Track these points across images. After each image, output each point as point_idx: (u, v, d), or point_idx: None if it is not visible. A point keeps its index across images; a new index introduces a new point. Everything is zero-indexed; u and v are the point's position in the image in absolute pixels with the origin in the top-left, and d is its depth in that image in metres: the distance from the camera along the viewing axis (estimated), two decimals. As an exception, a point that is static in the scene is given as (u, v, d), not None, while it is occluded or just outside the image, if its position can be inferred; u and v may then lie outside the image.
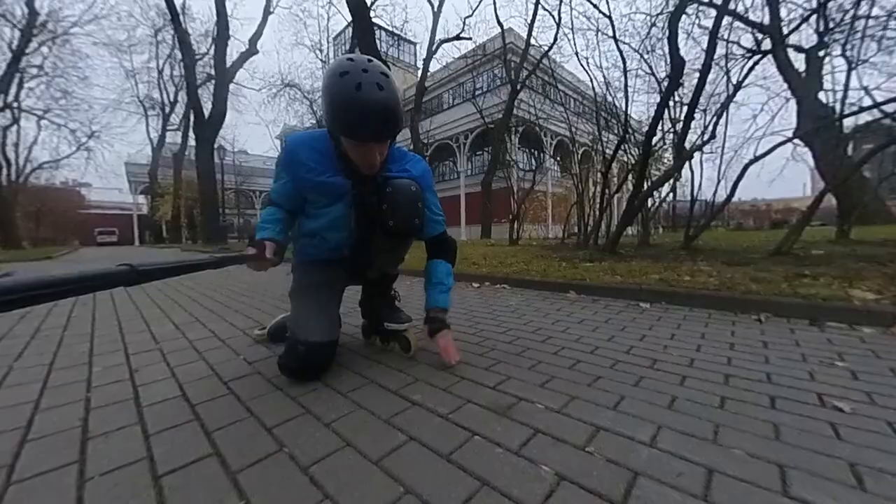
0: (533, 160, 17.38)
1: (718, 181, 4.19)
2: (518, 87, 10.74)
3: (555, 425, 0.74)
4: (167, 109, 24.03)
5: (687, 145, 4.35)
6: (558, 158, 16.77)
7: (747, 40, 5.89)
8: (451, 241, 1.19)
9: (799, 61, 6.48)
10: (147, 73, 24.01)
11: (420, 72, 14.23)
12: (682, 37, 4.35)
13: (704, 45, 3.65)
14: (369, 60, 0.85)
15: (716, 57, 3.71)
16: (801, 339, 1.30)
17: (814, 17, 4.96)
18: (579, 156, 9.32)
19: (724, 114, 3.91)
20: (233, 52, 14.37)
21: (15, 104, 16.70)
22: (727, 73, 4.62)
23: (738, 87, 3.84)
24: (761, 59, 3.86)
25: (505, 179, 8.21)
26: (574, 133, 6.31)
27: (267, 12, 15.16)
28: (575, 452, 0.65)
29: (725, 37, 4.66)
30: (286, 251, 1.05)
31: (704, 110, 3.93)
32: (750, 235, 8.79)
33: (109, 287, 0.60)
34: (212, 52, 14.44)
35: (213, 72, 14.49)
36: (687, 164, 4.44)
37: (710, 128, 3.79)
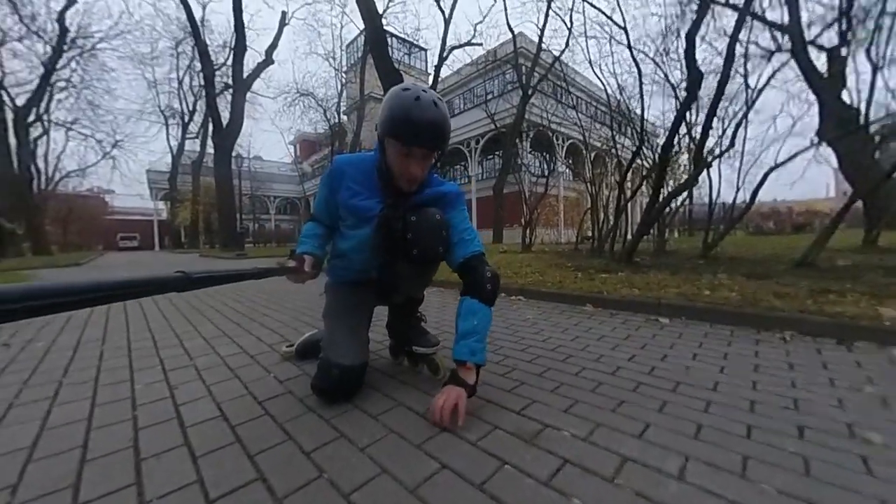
0: (545, 164, 17.33)
1: (738, 188, 4.11)
2: (529, 91, 10.75)
3: (582, 455, 0.76)
4: (186, 118, 24.87)
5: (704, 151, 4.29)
6: (570, 162, 16.67)
7: (765, 39, 5.76)
8: (483, 268, 1.00)
9: (820, 60, 6.32)
10: (168, 84, 25.04)
11: (431, 78, 14.36)
12: (696, 41, 4.30)
13: (719, 48, 3.61)
14: (427, 87, 0.96)
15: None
16: (829, 361, 1.28)
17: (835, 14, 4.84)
18: (592, 159, 9.26)
19: (744, 121, 3.84)
20: (249, 62, 14.78)
21: (45, 116, 17.51)
22: (745, 75, 4.54)
23: (758, 92, 3.78)
24: (784, 65, 3.77)
25: (517, 183, 8.22)
26: (587, 137, 6.28)
27: (282, 23, 15.56)
28: (604, 485, 0.67)
29: (743, 38, 4.58)
30: (323, 265, 1.11)
31: (723, 117, 3.87)
32: (771, 241, 8.56)
33: (165, 291, 0.64)
34: (230, 62, 14.89)
35: (230, 81, 14.93)
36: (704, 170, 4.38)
37: (730, 135, 3.73)
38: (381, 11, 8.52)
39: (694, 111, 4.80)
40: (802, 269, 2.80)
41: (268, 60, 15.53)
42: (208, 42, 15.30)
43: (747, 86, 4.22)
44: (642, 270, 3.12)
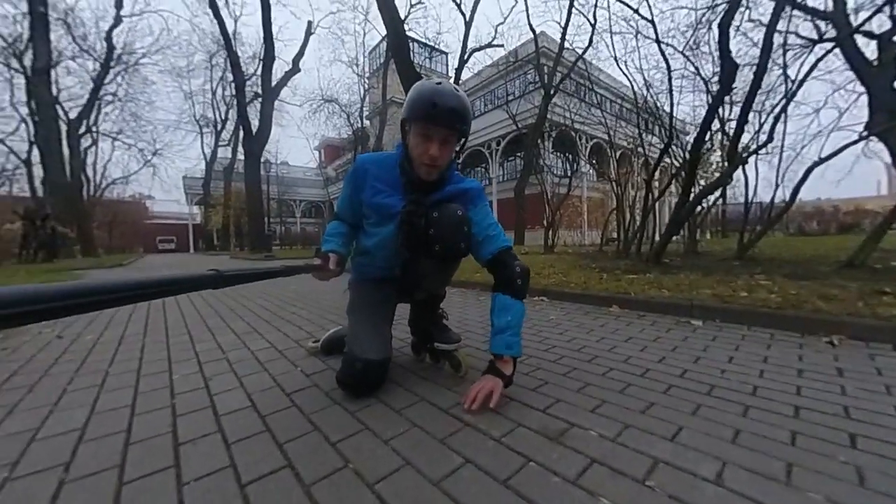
0: (567, 165, 17.02)
1: (777, 185, 3.88)
2: (552, 91, 10.60)
3: (610, 455, 0.73)
4: (219, 127, 26.11)
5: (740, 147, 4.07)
6: (594, 162, 16.28)
7: (806, 28, 5.41)
8: (513, 263, 1.01)
9: (869, 48, 5.85)
10: (202, 95, 26.37)
11: (452, 81, 14.43)
12: (730, 31, 4.10)
13: (755, 39, 3.42)
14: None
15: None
16: (884, 367, 1.18)
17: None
18: (617, 158, 8.99)
19: (783, 115, 3.62)
20: (277, 71, 15.36)
21: (94, 128, 18.87)
22: (784, 66, 4.27)
23: (799, 83, 3.55)
24: (828, 54, 3.51)
25: (539, 184, 8.11)
26: (612, 136, 6.12)
27: (308, 33, 16.09)
28: (634, 486, 0.64)
29: (781, 27, 4.30)
30: (346, 262, 1.13)
31: (759, 111, 3.65)
32: (814, 242, 8.03)
33: (199, 289, 0.67)
34: (259, 72, 15.53)
35: (260, 91, 15.56)
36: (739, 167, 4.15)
37: (768, 129, 3.51)
38: (403, 17, 8.69)
39: (728, 106, 4.57)
40: (851, 270, 2.60)
41: (294, 69, 16.09)
42: (239, 54, 16.02)
43: (786, 77, 3.98)
44: (672, 271, 3.00)
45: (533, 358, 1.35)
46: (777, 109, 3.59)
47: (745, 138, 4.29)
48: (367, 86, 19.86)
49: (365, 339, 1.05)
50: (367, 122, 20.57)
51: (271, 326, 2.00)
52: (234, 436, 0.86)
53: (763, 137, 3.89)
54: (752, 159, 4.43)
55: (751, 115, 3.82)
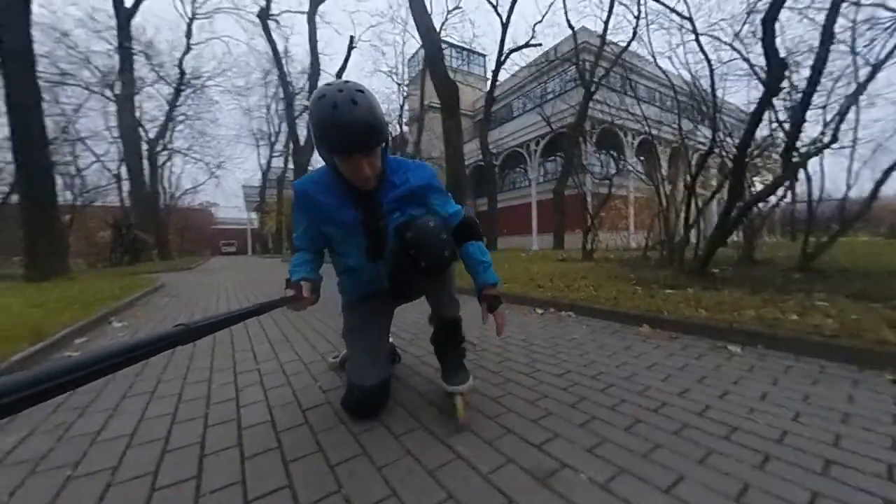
0: (612, 163, 16.21)
1: (849, 186, 3.40)
2: (592, 88, 10.17)
3: None
4: (273, 139, 28.17)
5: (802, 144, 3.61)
6: (642, 159, 15.32)
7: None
8: (470, 220, 1.15)
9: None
10: (258, 111, 28.48)
11: (489, 83, 14.40)
12: (795, 18, 3.67)
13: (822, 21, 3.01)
14: (345, 82, 0.92)
15: (839, 31, 2.99)
16: (956, 417, 1.02)
17: None
18: (668, 156, 8.36)
19: (854, 106, 3.17)
20: (322, 84, 16.25)
21: (170, 145, 21.26)
22: (853, 51, 3.68)
23: (875, 69, 3.09)
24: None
25: (577, 187, 7.80)
26: (659, 132, 5.74)
27: (350, 47, 16.88)
28: (613, 542, 0.63)
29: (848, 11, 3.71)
30: (320, 287, 1.11)
31: (824, 107, 3.21)
32: (908, 245, 6.91)
33: (167, 348, 0.55)
34: (307, 86, 16.56)
35: (307, 103, 16.61)
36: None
37: (833, 126, 3.08)
38: (439, 26, 8.86)
39: (788, 101, 4.08)
40: (942, 288, 2.23)
41: (338, 82, 16.93)
42: (290, 71, 17.22)
43: (856, 63, 3.43)
44: (716, 286, 2.76)
45: (543, 384, 1.33)
46: (844, 105, 3.15)
47: (814, 132, 3.80)
48: (406, 93, 20.40)
49: (360, 365, 1.11)
50: (405, 128, 21.10)
51: (301, 336, 2.14)
52: (250, 450, 0.96)
53: (837, 135, 3.40)
54: (822, 154, 3.92)
55: (820, 110, 3.38)
